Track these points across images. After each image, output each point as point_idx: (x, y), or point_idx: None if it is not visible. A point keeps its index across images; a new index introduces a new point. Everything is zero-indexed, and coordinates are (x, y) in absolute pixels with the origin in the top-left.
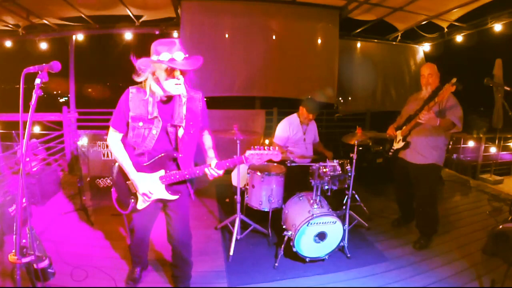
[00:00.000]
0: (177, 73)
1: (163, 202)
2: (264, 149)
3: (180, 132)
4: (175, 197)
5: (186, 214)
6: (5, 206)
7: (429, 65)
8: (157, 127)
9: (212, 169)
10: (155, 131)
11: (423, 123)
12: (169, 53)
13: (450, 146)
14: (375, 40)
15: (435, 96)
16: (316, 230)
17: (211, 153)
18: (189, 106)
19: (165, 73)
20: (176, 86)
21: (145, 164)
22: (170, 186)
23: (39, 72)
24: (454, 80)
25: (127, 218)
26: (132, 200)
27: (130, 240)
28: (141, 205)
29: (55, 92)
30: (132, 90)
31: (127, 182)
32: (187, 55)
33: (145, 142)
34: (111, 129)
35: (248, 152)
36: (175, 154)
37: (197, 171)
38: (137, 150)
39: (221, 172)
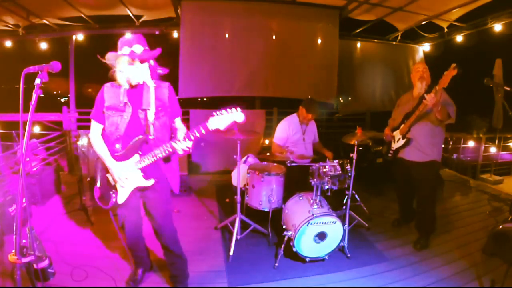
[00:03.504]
0: (136, 62)
1: (143, 196)
2: (226, 112)
3: (150, 116)
4: (150, 182)
5: (166, 209)
6: (5, 206)
7: (422, 63)
8: (128, 112)
9: (179, 141)
10: (126, 115)
11: (422, 118)
12: (129, 47)
13: (450, 146)
14: (375, 40)
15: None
16: (316, 230)
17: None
18: (157, 93)
19: (127, 63)
20: (136, 73)
21: (120, 152)
22: (146, 172)
23: (39, 72)
24: (453, 65)
25: (115, 217)
26: (113, 194)
27: (126, 239)
28: (121, 198)
29: (55, 92)
30: (107, 85)
31: (107, 175)
32: (146, 48)
33: (118, 128)
34: (92, 122)
35: (210, 119)
36: (146, 137)
37: (167, 147)
38: (112, 138)
39: (190, 144)
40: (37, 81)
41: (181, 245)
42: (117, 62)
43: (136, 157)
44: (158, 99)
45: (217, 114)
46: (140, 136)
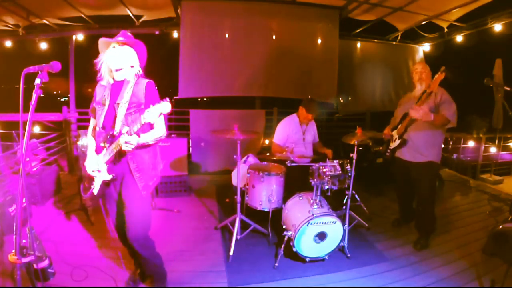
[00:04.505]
0: (117, 47)
1: (117, 193)
2: (153, 105)
3: (121, 110)
4: (109, 176)
5: (136, 209)
6: (5, 206)
7: (421, 63)
8: (106, 107)
9: (122, 135)
10: (105, 109)
11: (418, 120)
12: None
13: (450, 146)
14: (375, 40)
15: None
16: (316, 230)
17: None
18: (135, 89)
19: (110, 48)
20: (116, 56)
21: (99, 144)
22: (109, 166)
23: (39, 72)
24: (442, 68)
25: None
26: (92, 185)
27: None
28: (96, 189)
29: (55, 92)
30: (100, 82)
31: None
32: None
33: (99, 121)
34: (91, 119)
35: (143, 114)
36: (111, 132)
37: (118, 141)
38: (98, 132)
39: (131, 139)
40: (37, 81)
41: (153, 249)
42: (105, 49)
43: (104, 151)
44: (134, 95)
45: (148, 107)
46: (110, 132)
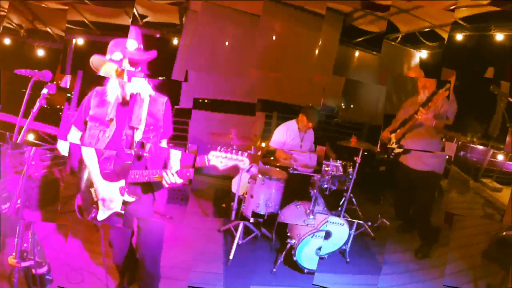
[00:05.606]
0: (126, 70)
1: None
2: (231, 153)
3: (137, 136)
4: (132, 199)
5: (155, 230)
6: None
7: (417, 68)
8: (111, 131)
9: (172, 174)
10: (108, 134)
11: (417, 127)
12: (121, 45)
13: (460, 142)
14: (374, 53)
15: (430, 101)
16: (320, 242)
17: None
18: (150, 109)
19: (114, 72)
20: (125, 85)
21: (106, 171)
22: (130, 188)
23: (32, 77)
24: (447, 85)
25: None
26: (93, 209)
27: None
28: (101, 216)
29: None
30: (97, 89)
31: (90, 189)
32: (141, 46)
33: (97, 144)
34: (72, 127)
35: (211, 153)
36: (127, 161)
37: (157, 173)
38: (103, 157)
39: (179, 181)
40: (44, 91)
41: (159, 267)
42: (102, 69)
43: (122, 182)
44: (151, 115)
45: (221, 151)
46: (127, 162)
